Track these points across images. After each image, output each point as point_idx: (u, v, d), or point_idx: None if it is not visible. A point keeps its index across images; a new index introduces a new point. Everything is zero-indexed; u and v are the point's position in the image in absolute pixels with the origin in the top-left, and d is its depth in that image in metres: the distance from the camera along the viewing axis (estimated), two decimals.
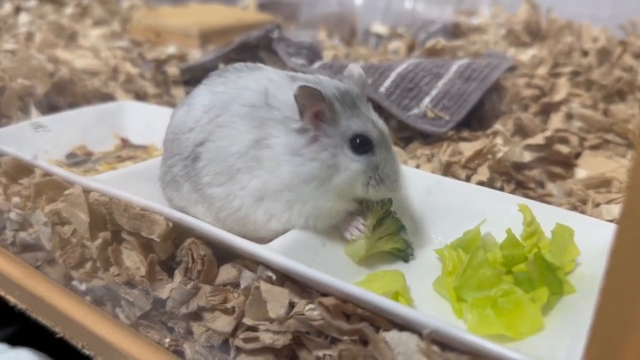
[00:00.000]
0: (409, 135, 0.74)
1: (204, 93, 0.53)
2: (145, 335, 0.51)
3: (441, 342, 0.36)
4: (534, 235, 0.48)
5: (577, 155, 0.72)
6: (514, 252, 0.47)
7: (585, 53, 0.98)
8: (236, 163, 0.49)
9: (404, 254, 0.52)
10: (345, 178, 0.48)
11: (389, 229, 0.51)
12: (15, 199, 0.60)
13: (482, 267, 0.45)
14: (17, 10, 1.15)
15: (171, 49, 1.07)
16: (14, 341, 0.71)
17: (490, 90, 0.81)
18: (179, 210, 0.50)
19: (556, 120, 0.78)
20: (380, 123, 0.50)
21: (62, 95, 0.83)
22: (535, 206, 0.51)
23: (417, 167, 0.65)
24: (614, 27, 1.06)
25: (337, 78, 0.53)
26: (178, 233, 0.49)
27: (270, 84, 0.50)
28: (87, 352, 0.53)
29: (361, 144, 0.48)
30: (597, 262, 0.47)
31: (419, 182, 0.56)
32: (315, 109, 0.47)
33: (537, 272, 0.44)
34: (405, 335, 0.37)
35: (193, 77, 0.90)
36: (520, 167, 0.67)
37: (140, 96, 0.90)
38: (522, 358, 0.33)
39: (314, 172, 0.47)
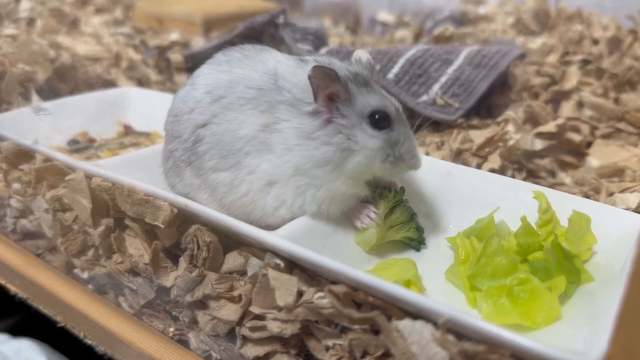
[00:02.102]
0: (417, 122, 0.73)
1: (206, 72, 0.51)
2: (149, 324, 0.50)
3: (455, 331, 0.35)
4: (550, 223, 0.47)
5: (589, 144, 0.71)
6: (529, 240, 0.46)
7: (595, 41, 0.96)
8: (244, 147, 0.47)
9: (416, 243, 0.50)
10: (362, 158, 0.46)
11: (400, 218, 0.49)
12: (16, 185, 0.59)
13: (497, 255, 0.43)
14: None
15: (174, 36, 1.06)
16: (16, 331, 0.70)
17: (499, 77, 0.79)
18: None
19: (567, 109, 0.76)
20: (394, 100, 0.49)
21: (64, 81, 0.81)
22: (549, 193, 0.50)
23: (427, 154, 0.63)
24: (619, 17, 1.05)
25: (346, 62, 0.52)
26: (183, 219, 0.48)
27: (279, 65, 0.48)
28: (89, 341, 0.52)
29: (380, 119, 0.47)
30: (613, 250, 0.46)
31: (430, 169, 0.55)
32: (329, 90, 0.45)
33: (554, 260, 0.43)
34: (419, 324, 0.35)
35: (196, 64, 0.88)
36: (531, 155, 0.66)
37: (143, 83, 0.88)
38: (540, 347, 0.32)
39: (327, 155, 0.46)
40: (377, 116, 0.46)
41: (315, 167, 0.46)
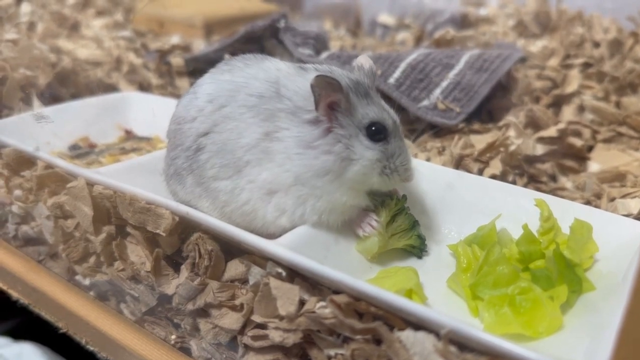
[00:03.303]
0: (418, 127, 0.73)
1: (208, 82, 0.51)
2: (151, 331, 0.50)
3: (458, 342, 0.35)
4: (551, 231, 0.47)
5: (590, 149, 0.71)
6: (531, 249, 0.46)
7: (596, 44, 0.96)
8: (245, 156, 0.47)
9: (418, 251, 0.50)
10: (360, 168, 0.47)
11: (402, 225, 0.49)
12: (17, 192, 0.58)
13: (499, 264, 0.43)
14: None
15: (175, 39, 1.06)
16: (17, 334, 0.70)
17: (500, 81, 0.79)
18: (184, 205, 0.49)
19: (568, 113, 0.76)
20: (392, 112, 0.49)
21: (65, 85, 0.81)
22: (550, 201, 0.50)
23: (428, 160, 0.63)
24: (620, 18, 1.05)
25: (346, 69, 0.52)
26: (184, 227, 0.48)
27: (279, 74, 0.48)
28: (91, 348, 0.52)
29: (377, 132, 0.47)
30: (614, 258, 0.46)
31: (432, 175, 0.55)
32: (330, 99, 0.45)
33: (556, 269, 0.43)
34: (421, 335, 0.35)
35: (197, 67, 0.89)
36: (532, 160, 0.66)
37: (144, 87, 0.88)
38: (542, 359, 0.32)
39: (327, 165, 0.46)
40: (374, 128, 0.47)
41: (315, 177, 0.46)
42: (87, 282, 0.54)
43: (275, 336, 0.40)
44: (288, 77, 0.48)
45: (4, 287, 0.60)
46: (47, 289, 0.56)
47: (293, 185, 0.46)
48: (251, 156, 0.47)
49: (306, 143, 0.46)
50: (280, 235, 0.46)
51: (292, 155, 0.46)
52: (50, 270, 0.58)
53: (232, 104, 0.48)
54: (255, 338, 0.42)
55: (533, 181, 0.65)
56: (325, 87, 0.44)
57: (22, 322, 0.76)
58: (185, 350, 0.48)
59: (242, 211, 0.48)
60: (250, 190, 0.47)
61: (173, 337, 0.48)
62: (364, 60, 0.51)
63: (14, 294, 0.59)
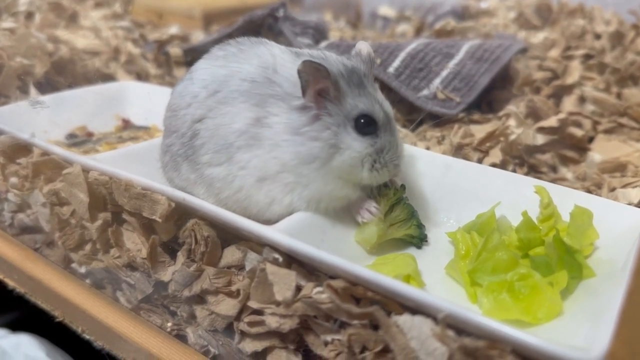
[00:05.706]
0: (418, 117, 0.72)
1: (203, 67, 0.51)
2: (147, 319, 0.49)
3: (455, 326, 0.35)
4: (551, 218, 0.47)
5: (591, 139, 0.71)
6: (531, 235, 0.45)
7: (597, 36, 0.96)
8: (236, 141, 0.47)
9: (417, 240, 0.50)
10: (347, 158, 0.46)
11: (401, 215, 0.49)
12: (13, 179, 0.58)
13: (498, 250, 0.43)
14: None
15: (173, 30, 1.05)
16: (15, 326, 0.69)
17: (501, 72, 0.79)
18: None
19: (569, 104, 0.76)
20: (386, 105, 0.48)
21: (62, 75, 0.81)
22: (550, 188, 0.50)
23: (428, 149, 0.63)
24: (621, 12, 1.04)
25: (345, 56, 0.51)
26: (180, 214, 0.48)
27: (272, 59, 0.48)
28: (87, 336, 0.52)
29: (366, 125, 0.46)
30: (615, 246, 0.46)
31: (431, 163, 0.55)
32: (319, 86, 0.45)
33: (556, 255, 0.42)
34: (419, 320, 0.35)
35: (195, 58, 0.88)
36: (532, 150, 0.66)
37: (142, 77, 0.88)
38: (541, 343, 0.32)
39: (314, 152, 0.45)
40: (362, 121, 0.46)
41: (302, 164, 0.45)
42: (83, 270, 0.54)
43: (272, 322, 0.40)
44: (281, 63, 0.47)
45: (1, 276, 0.60)
46: (43, 278, 0.56)
47: (280, 173, 0.46)
48: (242, 142, 0.46)
49: (294, 129, 0.45)
50: (276, 221, 0.46)
51: (280, 142, 0.45)
52: (46, 258, 0.58)
53: (225, 89, 0.48)
54: (251, 324, 0.42)
55: (533, 171, 0.64)
56: (312, 73, 0.44)
57: (20, 315, 0.76)
58: (182, 338, 0.47)
59: (236, 198, 0.48)
60: (242, 177, 0.47)
61: (169, 324, 0.48)
62: (362, 46, 0.50)
63: (10, 283, 0.59)
